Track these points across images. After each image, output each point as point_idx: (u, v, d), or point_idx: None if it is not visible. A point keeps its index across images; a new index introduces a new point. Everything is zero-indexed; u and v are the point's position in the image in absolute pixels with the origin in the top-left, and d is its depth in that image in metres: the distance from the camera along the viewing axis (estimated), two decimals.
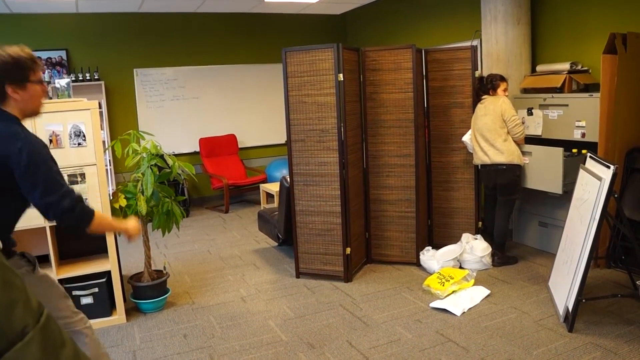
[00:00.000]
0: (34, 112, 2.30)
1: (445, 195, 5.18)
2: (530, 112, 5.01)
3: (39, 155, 2.16)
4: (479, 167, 4.82)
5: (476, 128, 4.67)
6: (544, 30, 5.36)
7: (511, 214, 4.81)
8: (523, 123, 4.87)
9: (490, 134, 4.54)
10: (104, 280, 3.87)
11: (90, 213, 2.28)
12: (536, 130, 4.96)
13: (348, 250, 4.52)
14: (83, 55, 7.28)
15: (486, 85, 4.65)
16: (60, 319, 2.34)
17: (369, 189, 4.92)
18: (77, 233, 2.29)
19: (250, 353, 3.38)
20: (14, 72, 2.15)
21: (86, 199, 2.19)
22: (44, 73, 2.22)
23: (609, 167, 3.36)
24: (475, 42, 5.73)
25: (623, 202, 4.23)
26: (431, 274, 4.48)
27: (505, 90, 4.65)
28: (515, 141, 4.56)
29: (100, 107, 4.21)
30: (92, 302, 3.85)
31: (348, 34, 8.99)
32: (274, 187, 7.00)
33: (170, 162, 4.04)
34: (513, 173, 4.56)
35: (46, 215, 2.23)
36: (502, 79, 4.66)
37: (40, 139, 2.25)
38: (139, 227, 2.59)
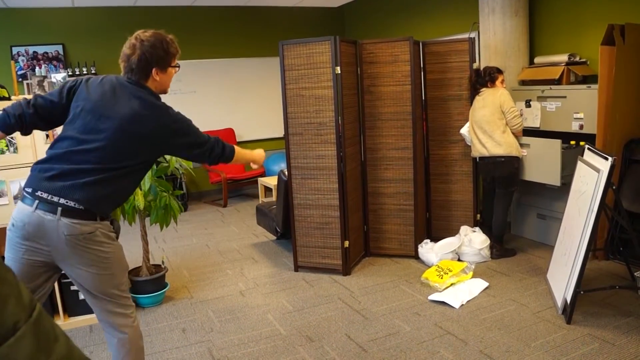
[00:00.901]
0: (165, 91, 2.47)
1: (443, 188, 5.18)
2: (528, 104, 5.00)
3: (186, 121, 2.43)
4: (477, 160, 4.81)
5: (474, 120, 4.66)
6: (541, 22, 5.34)
7: (509, 207, 4.81)
8: (521, 115, 4.87)
9: (489, 126, 4.53)
10: None
11: (233, 150, 2.60)
12: (534, 122, 4.96)
13: (346, 243, 4.52)
14: (79, 50, 7.25)
15: (484, 78, 4.63)
16: (124, 287, 2.41)
17: (367, 182, 4.91)
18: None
19: (248, 347, 3.38)
20: (162, 59, 2.35)
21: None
22: (179, 54, 2.48)
23: (607, 159, 3.36)
24: (473, 34, 5.71)
25: (621, 194, 4.23)
26: (429, 267, 4.48)
27: (502, 82, 4.64)
28: (513, 133, 4.56)
29: None
30: None
31: (345, 27, 8.96)
32: (272, 181, 7.00)
33: (167, 156, 4.03)
34: (511, 165, 4.56)
35: (200, 161, 2.59)
36: (499, 71, 4.65)
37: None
38: (263, 155, 2.91)
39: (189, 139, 2.41)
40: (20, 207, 2.19)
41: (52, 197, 2.15)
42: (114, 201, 2.35)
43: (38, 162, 2.27)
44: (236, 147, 2.65)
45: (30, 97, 2.44)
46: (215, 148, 2.50)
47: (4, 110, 2.33)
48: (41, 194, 2.16)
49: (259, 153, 2.88)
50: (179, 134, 2.38)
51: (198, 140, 2.44)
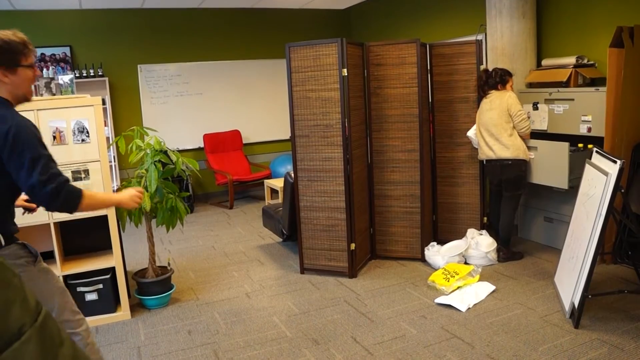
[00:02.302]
0: (25, 97, 2.28)
1: (450, 191, 5.16)
2: (535, 107, 4.98)
3: (26, 137, 2.11)
4: (484, 162, 4.79)
5: (481, 123, 4.64)
6: (549, 24, 5.32)
7: (516, 210, 4.78)
8: (529, 118, 4.84)
9: (496, 128, 4.51)
10: (108, 276, 3.87)
11: (77, 195, 2.20)
12: (542, 124, 4.93)
13: (352, 245, 4.50)
14: (87, 52, 7.28)
15: (495, 79, 4.59)
16: (57, 316, 2.31)
17: (374, 185, 4.90)
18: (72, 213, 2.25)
19: (254, 349, 3.38)
20: (4, 56, 2.15)
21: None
22: (36, 58, 2.27)
23: (615, 162, 3.33)
24: (480, 37, 5.70)
25: (630, 197, 4.20)
26: (436, 270, 4.46)
27: (511, 85, 4.62)
28: (520, 136, 4.53)
29: (104, 103, 4.21)
30: (97, 298, 3.85)
31: (352, 29, 8.96)
32: (278, 183, 7.00)
33: (174, 158, 4.04)
34: (519, 168, 4.54)
35: (33, 199, 2.18)
36: (510, 74, 4.62)
37: (32, 123, 2.22)
38: (134, 193, 2.51)
39: (22, 158, 2.09)
40: None
41: None
42: None
43: None
44: (87, 192, 2.26)
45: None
46: (49, 184, 2.11)
47: None
48: None
49: (127, 194, 2.48)
50: (12, 148, 2.09)
51: (32, 165, 2.09)
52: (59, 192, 2.13)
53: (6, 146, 2.08)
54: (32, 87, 2.30)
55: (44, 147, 2.19)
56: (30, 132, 2.14)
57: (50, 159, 2.18)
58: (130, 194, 2.51)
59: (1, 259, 0.63)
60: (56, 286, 2.38)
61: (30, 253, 2.29)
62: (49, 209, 2.20)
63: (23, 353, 0.59)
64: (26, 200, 2.45)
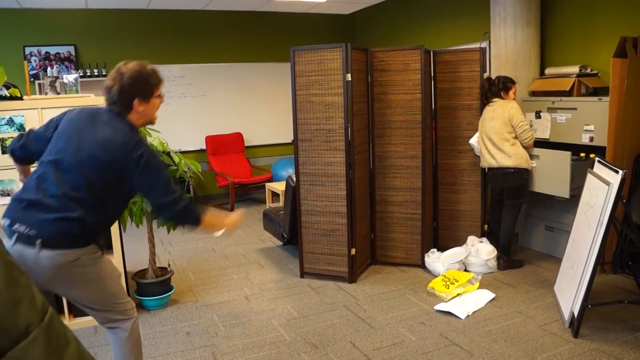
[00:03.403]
0: (151, 122, 2.48)
1: (451, 198, 5.16)
2: (538, 115, 4.98)
3: (157, 161, 2.36)
4: (486, 170, 4.79)
5: (483, 131, 4.65)
6: (553, 33, 5.33)
7: (517, 218, 4.78)
8: (531, 127, 4.85)
9: (498, 137, 4.52)
10: None
11: (200, 216, 2.42)
12: (544, 133, 4.94)
13: (353, 251, 4.50)
14: (91, 51, 7.30)
15: (497, 87, 4.60)
16: (119, 298, 2.45)
17: (375, 190, 4.90)
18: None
19: (253, 352, 3.37)
20: (142, 88, 2.34)
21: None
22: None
23: (617, 172, 3.34)
24: (484, 44, 5.71)
25: (631, 208, 4.20)
26: (436, 277, 4.46)
27: (514, 93, 4.62)
28: (523, 146, 4.53)
29: None
30: None
31: (356, 34, 8.97)
32: (279, 186, 7.00)
33: (176, 159, 4.04)
34: (521, 177, 4.54)
35: (160, 214, 2.48)
36: (513, 81, 4.63)
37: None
38: (237, 219, 2.62)
39: (154, 179, 2.32)
40: (2, 235, 2.22)
41: (30, 230, 2.15)
42: (93, 231, 2.33)
43: (18, 191, 2.31)
44: (207, 216, 2.46)
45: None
46: (181, 204, 2.35)
47: (9, 147, 2.47)
48: (18, 226, 2.17)
49: (234, 218, 2.60)
50: (145, 171, 2.29)
51: (163, 187, 2.34)
52: (189, 210, 2.39)
53: (139, 169, 2.27)
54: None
55: (166, 169, 2.46)
56: (159, 158, 2.41)
57: (172, 182, 2.42)
58: (234, 219, 2.60)
59: (9, 258, 0.64)
60: (118, 273, 2.54)
61: (101, 247, 2.42)
62: (180, 223, 2.49)
63: (30, 352, 0.60)
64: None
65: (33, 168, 2.46)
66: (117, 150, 2.25)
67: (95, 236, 2.36)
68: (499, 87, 4.59)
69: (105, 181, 2.28)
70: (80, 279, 2.27)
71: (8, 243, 2.17)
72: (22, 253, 2.13)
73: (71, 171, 2.23)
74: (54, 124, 2.39)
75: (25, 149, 2.46)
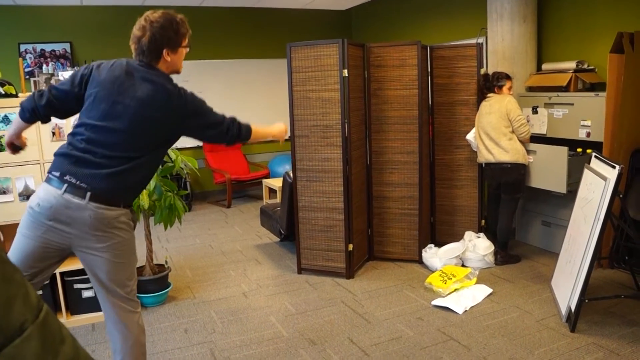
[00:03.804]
0: (177, 71, 2.50)
1: (448, 193, 5.17)
2: (535, 111, 4.99)
3: (199, 101, 2.44)
4: (483, 166, 4.79)
5: (480, 126, 4.65)
6: (550, 29, 5.32)
7: (514, 213, 4.79)
8: (528, 122, 4.85)
9: (495, 132, 4.52)
10: None
11: (249, 129, 2.60)
12: (541, 129, 4.94)
13: (350, 246, 4.50)
14: (87, 48, 7.27)
15: (492, 83, 4.62)
16: (134, 280, 2.46)
17: (372, 186, 4.90)
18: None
19: (251, 348, 3.37)
20: (171, 39, 2.36)
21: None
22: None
23: (614, 167, 3.34)
24: (481, 40, 5.70)
25: (628, 203, 4.20)
26: (433, 272, 4.46)
27: (510, 88, 4.62)
28: (520, 140, 4.54)
29: None
30: (93, 295, 3.83)
31: (353, 30, 8.96)
32: (276, 183, 6.99)
33: (173, 156, 4.04)
34: (518, 172, 4.54)
35: (219, 142, 2.57)
36: (508, 77, 4.63)
37: None
38: (283, 129, 2.83)
39: (203, 119, 2.43)
40: (47, 188, 2.22)
41: (81, 183, 2.19)
42: (135, 189, 2.41)
43: (61, 149, 2.31)
44: (253, 126, 2.64)
45: (45, 88, 2.47)
46: (232, 128, 2.50)
47: (20, 104, 2.38)
48: (69, 178, 2.20)
49: (278, 128, 2.83)
50: (193, 116, 2.39)
51: (213, 121, 2.46)
52: (240, 126, 2.55)
53: (187, 116, 2.37)
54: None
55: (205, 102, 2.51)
56: (196, 96, 2.46)
57: (213, 110, 2.52)
58: (280, 129, 2.82)
59: (4, 255, 0.63)
60: (136, 256, 2.55)
61: (133, 220, 2.46)
62: (234, 143, 2.60)
63: (24, 350, 0.59)
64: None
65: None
66: (164, 107, 2.31)
67: (134, 197, 2.41)
68: (493, 83, 4.60)
69: (156, 138, 2.34)
70: (110, 238, 2.27)
71: (55, 192, 2.19)
72: (69, 202, 2.17)
73: (121, 133, 2.25)
74: (79, 80, 2.35)
75: (52, 107, 2.37)
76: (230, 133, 2.50)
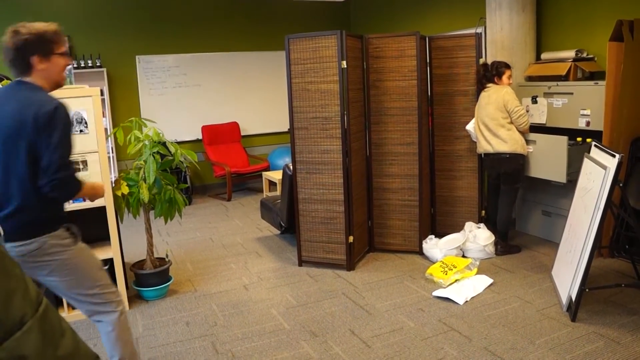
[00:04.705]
0: (58, 83, 2.39)
1: (448, 184, 5.16)
2: (534, 100, 4.98)
3: (64, 121, 2.23)
4: (482, 156, 4.79)
5: (479, 117, 4.64)
6: (549, 18, 5.30)
7: (514, 203, 4.79)
8: (528, 112, 4.84)
9: (494, 123, 4.51)
10: (106, 267, 3.84)
11: (78, 188, 2.33)
12: (540, 118, 4.93)
13: (351, 238, 4.51)
14: (85, 42, 7.24)
15: (491, 72, 4.60)
16: (97, 288, 2.43)
17: (372, 177, 4.90)
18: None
19: (252, 341, 3.38)
20: (41, 45, 2.25)
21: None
22: (67, 47, 2.36)
23: (614, 156, 3.34)
24: (480, 30, 5.68)
25: (628, 192, 4.20)
26: (434, 263, 4.47)
27: (509, 77, 4.60)
28: (519, 131, 4.53)
29: (102, 94, 4.20)
30: None
31: (352, 21, 8.93)
32: (276, 175, 7.00)
33: (172, 149, 4.03)
34: (516, 162, 4.54)
35: (43, 176, 2.20)
36: (507, 66, 4.61)
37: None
38: (99, 186, 2.59)
39: (51, 137, 2.18)
40: None
41: None
42: (45, 219, 2.30)
43: None
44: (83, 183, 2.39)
45: None
46: (69, 173, 2.26)
47: None
48: None
49: (99, 185, 2.61)
50: (46, 131, 2.18)
51: (61, 152, 2.20)
52: (67, 182, 2.26)
53: (46, 124, 2.17)
54: (65, 73, 2.42)
55: (71, 135, 2.32)
56: (66, 119, 2.26)
57: (71, 148, 2.29)
58: (102, 189, 2.60)
59: (2, 249, 0.63)
60: (96, 262, 2.52)
61: (73, 234, 2.40)
62: (51, 194, 2.23)
63: (24, 343, 0.59)
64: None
65: None
66: (26, 116, 2.17)
67: (54, 220, 2.32)
68: (492, 73, 4.59)
69: (31, 161, 2.20)
70: (46, 266, 2.27)
71: None
72: None
73: (2, 169, 2.22)
74: None
75: None
76: (61, 173, 2.21)
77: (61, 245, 2.31)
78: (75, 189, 2.31)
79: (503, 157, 4.53)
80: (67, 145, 2.24)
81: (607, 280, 4.04)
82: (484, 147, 4.64)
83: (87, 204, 3.69)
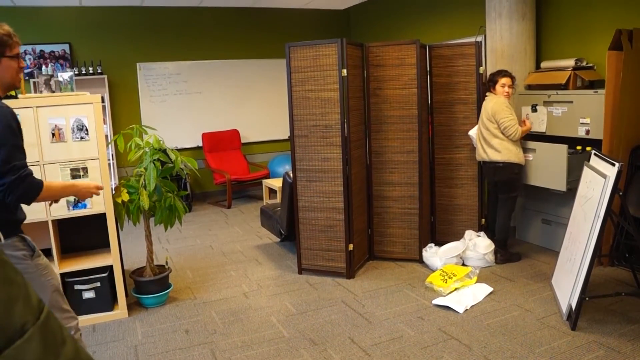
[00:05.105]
0: (12, 85, 2.37)
1: (448, 192, 5.17)
2: (534, 109, 4.99)
3: (9, 129, 2.17)
4: (481, 164, 4.80)
5: (480, 125, 4.66)
6: (548, 26, 5.32)
7: (512, 212, 4.78)
8: (529, 118, 4.85)
9: (486, 132, 4.55)
10: (105, 274, 3.86)
11: (38, 188, 2.24)
12: (540, 127, 4.94)
13: (350, 246, 4.50)
14: (86, 49, 7.27)
15: (488, 83, 4.65)
16: (53, 311, 2.35)
17: (372, 185, 4.90)
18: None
19: (252, 349, 3.37)
20: None
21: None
22: (20, 48, 2.34)
23: (613, 165, 3.34)
24: (480, 38, 5.70)
25: (627, 200, 4.20)
26: (434, 271, 4.46)
27: (504, 85, 4.57)
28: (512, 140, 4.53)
29: (103, 101, 4.20)
30: (94, 296, 3.84)
31: (352, 30, 8.96)
32: (276, 183, 7.00)
33: (173, 156, 4.03)
34: (511, 171, 4.54)
35: None
36: (501, 73, 4.60)
37: (12, 112, 2.26)
38: (92, 185, 2.54)
39: None
40: None
41: None
42: None
43: None
44: (47, 185, 2.31)
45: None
46: (15, 177, 2.17)
47: None
48: None
49: (83, 183, 2.52)
50: None
51: (3, 157, 2.15)
52: (17, 185, 2.17)
53: None
54: (21, 75, 2.39)
55: (16, 136, 2.23)
56: (6, 120, 2.18)
57: (17, 149, 2.21)
58: (86, 185, 2.54)
59: (4, 257, 0.63)
60: (50, 283, 2.40)
61: (29, 247, 2.32)
62: (5, 199, 2.19)
63: (25, 351, 0.59)
64: None
65: None
66: None
67: (4, 225, 2.24)
68: (488, 84, 4.63)
69: None
70: None
71: None
72: None
73: None
74: None
75: None
76: (5, 178, 2.15)
77: (13, 257, 2.20)
78: (30, 192, 2.22)
79: (497, 165, 4.55)
80: (11, 149, 2.17)
81: (607, 288, 4.03)
82: (481, 155, 4.66)
83: (87, 211, 3.70)
